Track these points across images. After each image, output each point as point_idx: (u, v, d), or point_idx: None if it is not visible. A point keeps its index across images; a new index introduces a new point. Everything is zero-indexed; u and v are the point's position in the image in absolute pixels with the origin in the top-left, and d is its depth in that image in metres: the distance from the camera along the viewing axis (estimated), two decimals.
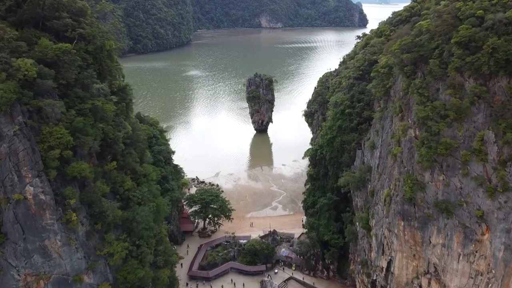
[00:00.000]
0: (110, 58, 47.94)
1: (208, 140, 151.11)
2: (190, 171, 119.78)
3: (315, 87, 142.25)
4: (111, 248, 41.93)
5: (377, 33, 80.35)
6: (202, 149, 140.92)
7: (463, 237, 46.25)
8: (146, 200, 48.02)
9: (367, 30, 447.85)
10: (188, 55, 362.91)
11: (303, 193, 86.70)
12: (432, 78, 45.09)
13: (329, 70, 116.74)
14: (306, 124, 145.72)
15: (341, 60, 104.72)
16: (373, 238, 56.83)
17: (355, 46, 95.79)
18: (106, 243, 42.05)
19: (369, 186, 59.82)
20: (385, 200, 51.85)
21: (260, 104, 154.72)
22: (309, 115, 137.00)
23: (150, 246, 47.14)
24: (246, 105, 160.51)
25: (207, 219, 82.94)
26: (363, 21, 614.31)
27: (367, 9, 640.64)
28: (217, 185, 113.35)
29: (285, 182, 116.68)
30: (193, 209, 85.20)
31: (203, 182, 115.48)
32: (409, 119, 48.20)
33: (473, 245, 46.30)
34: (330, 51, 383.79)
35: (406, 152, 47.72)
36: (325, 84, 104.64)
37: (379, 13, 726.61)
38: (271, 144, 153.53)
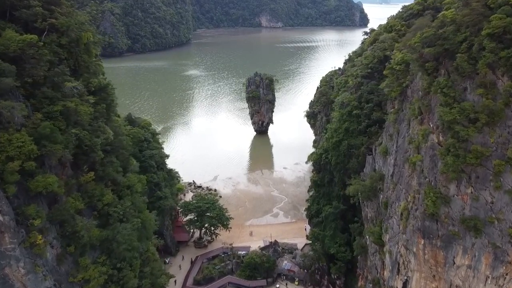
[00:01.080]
0: (88, 53, 41.93)
1: (207, 142, 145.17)
2: (186, 175, 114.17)
3: (317, 87, 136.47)
4: (86, 273, 36.03)
5: (387, 28, 74.33)
6: (200, 152, 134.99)
7: (493, 258, 40.22)
8: (129, 216, 42.01)
9: (368, 30, 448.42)
10: (188, 55, 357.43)
11: (307, 200, 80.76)
12: (458, 76, 39.05)
13: (333, 69, 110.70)
14: (308, 125, 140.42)
15: (347, 57, 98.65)
16: (387, 255, 50.82)
17: (362, 43, 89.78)
18: (81, 268, 36.14)
19: (382, 197, 53.86)
20: (401, 214, 45.84)
21: (260, 104, 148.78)
22: (312, 116, 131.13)
23: (134, 269, 41.17)
24: (246, 105, 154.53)
25: (203, 228, 76.88)
26: (364, 21, 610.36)
27: (367, 9, 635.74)
28: (215, 190, 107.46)
29: (286, 187, 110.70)
30: (188, 217, 79.19)
31: (200, 186, 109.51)
32: (430, 123, 42.18)
33: (504, 267, 40.24)
34: (331, 51, 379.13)
35: (427, 161, 41.69)
36: (329, 83, 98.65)
37: (379, 13, 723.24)
38: (272, 146, 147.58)
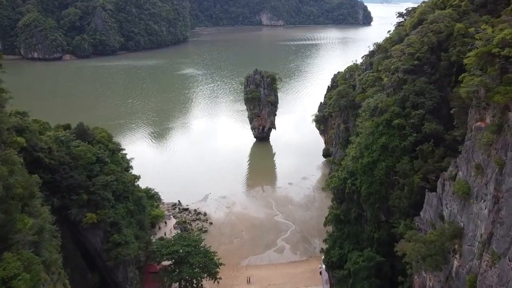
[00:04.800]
0: None
1: (198, 150, 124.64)
2: (171, 194, 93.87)
3: (328, 86, 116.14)
4: None
5: (437, 4, 53.58)
6: (190, 162, 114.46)
7: None
8: None
9: (372, 28, 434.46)
10: (185, 53, 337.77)
11: (325, 240, 59.87)
12: None
13: (354, 63, 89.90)
14: (317, 131, 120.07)
15: (371, 48, 77.83)
16: None
17: (397, 26, 69.05)
18: None
19: (457, 265, 33.16)
20: None
21: (261, 106, 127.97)
22: (322, 121, 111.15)
23: None
24: (245, 107, 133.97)
25: (183, 281, 55.91)
26: (368, 19, 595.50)
27: (369, 7, 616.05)
28: (205, 214, 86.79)
29: (293, 210, 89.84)
30: (164, 262, 58.32)
31: (186, 209, 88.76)
32: None
33: None
34: (335, 49, 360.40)
35: None
36: (349, 81, 77.93)
37: (381, 12, 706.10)
38: (274, 154, 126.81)
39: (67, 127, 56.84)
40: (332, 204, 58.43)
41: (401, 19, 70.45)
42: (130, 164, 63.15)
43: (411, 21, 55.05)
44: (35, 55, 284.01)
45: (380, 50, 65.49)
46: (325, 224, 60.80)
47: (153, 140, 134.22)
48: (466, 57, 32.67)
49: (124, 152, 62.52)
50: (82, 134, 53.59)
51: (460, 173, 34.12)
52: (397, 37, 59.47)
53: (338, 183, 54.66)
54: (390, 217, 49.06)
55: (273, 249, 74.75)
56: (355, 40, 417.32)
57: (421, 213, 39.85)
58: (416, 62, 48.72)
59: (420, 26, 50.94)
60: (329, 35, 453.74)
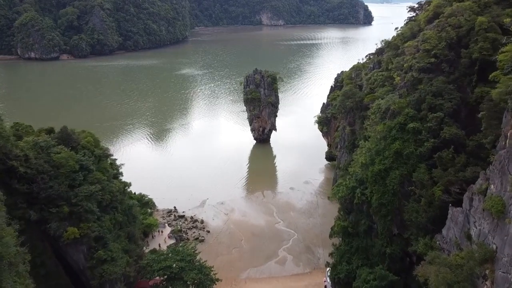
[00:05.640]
0: None
1: (196, 153, 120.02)
2: (166, 199, 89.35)
3: (331, 86, 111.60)
4: None
5: None
6: (187, 166, 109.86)
7: None
8: None
9: (373, 28, 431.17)
10: (184, 53, 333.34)
11: (330, 254, 55.13)
12: None
13: (361, 61, 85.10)
14: (319, 133, 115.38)
15: (379, 46, 73.03)
16: None
17: (408, 21, 64.06)
18: None
19: None
20: None
21: (261, 107, 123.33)
22: (325, 123, 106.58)
23: None
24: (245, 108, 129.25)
25: None
26: (368, 18, 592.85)
27: (369, 7, 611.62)
28: (202, 222, 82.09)
29: (295, 216, 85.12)
30: (156, 277, 53.62)
31: (182, 216, 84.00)
32: None
33: None
34: (336, 48, 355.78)
35: None
36: (355, 80, 73.20)
37: (382, 12, 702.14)
38: (275, 157, 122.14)
39: (50, 131, 52.21)
40: (339, 215, 53.70)
41: (412, 14, 65.81)
42: (120, 170, 58.43)
43: (426, 15, 50.40)
44: (32, 55, 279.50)
45: (390, 47, 60.76)
46: (330, 236, 56.09)
47: (149, 142, 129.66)
48: (500, 53, 27.94)
49: (113, 157, 57.93)
50: (66, 139, 48.94)
51: (492, 187, 29.43)
52: (409, 33, 54.78)
53: (346, 193, 49.93)
54: (404, 231, 44.41)
55: (274, 261, 70.01)
56: (356, 39, 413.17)
57: (444, 231, 35.15)
58: (432, 59, 44.03)
59: (437, 20, 46.24)
60: (330, 34, 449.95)
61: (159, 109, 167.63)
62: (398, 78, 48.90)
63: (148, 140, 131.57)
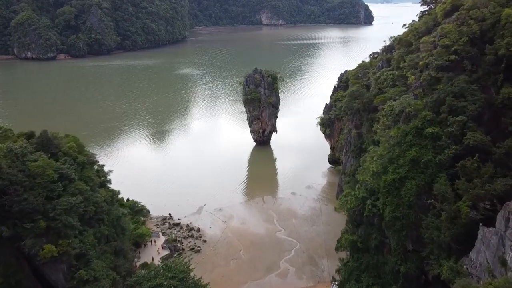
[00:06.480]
0: None
1: (193, 156, 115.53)
2: (161, 206, 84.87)
3: (334, 86, 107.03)
4: None
5: None
6: (183, 170, 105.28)
7: None
8: None
9: (374, 28, 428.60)
10: (183, 52, 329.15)
11: (337, 270, 50.40)
12: None
13: (367, 59, 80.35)
14: (322, 135, 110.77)
15: (387, 43, 68.19)
16: None
17: (421, 15, 59.29)
18: None
19: None
20: None
21: (261, 108, 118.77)
22: (328, 124, 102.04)
23: None
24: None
25: None
26: (369, 18, 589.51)
27: (369, 7, 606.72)
28: (198, 230, 77.41)
29: (297, 224, 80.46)
30: None
31: (178, 224, 79.32)
32: None
33: None
34: (337, 48, 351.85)
35: None
36: (362, 80, 68.52)
37: (382, 12, 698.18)
38: (275, 160, 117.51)
39: (30, 135, 47.65)
40: (347, 227, 49.03)
41: (425, 7, 61.10)
42: (108, 177, 53.82)
43: (443, 8, 45.86)
44: (29, 54, 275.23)
45: (401, 44, 56.16)
46: (337, 249, 51.46)
47: (146, 145, 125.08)
48: None
49: (100, 164, 53.33)
50: (46, 145, 44.33)
51: None
52: (424, 28, 50.19)
53: (355, 204, 45.29)
54: (420, 247, 39.82)
55: (275, 273, 65.28)
56: (357, 39, 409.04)
57: (472, 254, 30.50)
58: (452, 56, 39.53)
59: (457, 13, 41.66)
60: (331, 34, 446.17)
61: (157, 110, 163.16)
62: (413, 77, 44.35)
63: (145, 142, 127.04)
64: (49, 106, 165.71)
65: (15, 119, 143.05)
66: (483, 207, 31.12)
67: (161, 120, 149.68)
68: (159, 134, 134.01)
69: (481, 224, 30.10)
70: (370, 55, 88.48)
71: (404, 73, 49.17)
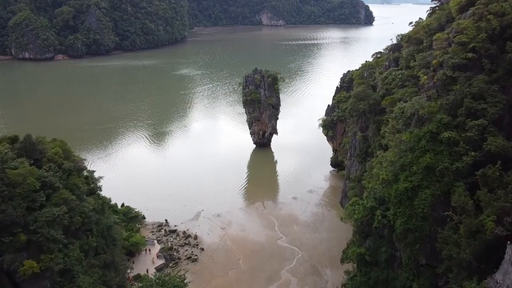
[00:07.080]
0: None
1: (191, 159, 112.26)
2: (157, 211, 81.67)
3: (337, 87, 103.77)
4: None
5: None
6: (181, 173, 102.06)
7: None
8: None
9: (373, 28, 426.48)
10: (182, 53, 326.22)
11: (343, 285, 47.02)
12: None
13: (370, 59, 77.04)
14: (324, 137, 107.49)
15: (394, 41, 64.91)
16: None
17: (432, 11, 55.97)
18: None
19: None
20: None
21: (261, 109, 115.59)
22: (330, 126, 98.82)
23: None
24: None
25: None
26: (369, 19, 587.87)
27: (370, 8, 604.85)
28: (195, 237, 74.11)
29: (299, 231, 77.11)
30: None
31: (174, 231, 75.95)
32: None
33: None
34: (338, 48, 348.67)
35: None
36: (368, 80, 65.27)
37: (382, 12, 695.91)
38: (276, 162, 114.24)
39: (14, 139, 44.31)
40: (353, 239, 45.75)
41: (436, 3, 57.78)
42: (99, 184, 50.48)
43: (458, 2, 42.65)
44: (26, 55, 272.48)
45: (410, 42, 52.98)
46: (342, 261, 48.14)
47: (143, 147, 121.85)
48: None
49: (91, 169, 50.05)
50: (29, 150, 41.06)
51: None
52: (436, 24, 47.00)
53: (363, 214, 41.99)
54: (435, 262, 36.56)
55: (276, 284, 61.87)
56: (358, 39, 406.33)
57: (498, 275, 27.19)
58: (470, 54, 36.26)
59: (473, 8, 38.43)
60: (331, 34, 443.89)
61: (155, 111, 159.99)
62: (425, 77, 41.11)
63: (142, 144, 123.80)
64: (46, 108, 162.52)
65: (10, 121, 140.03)
66: (509, 222, 27.91)
67: (159, 121, 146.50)
68: (156, 135, 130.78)
69: (509, 242, 26.85)
70: (373, 55, 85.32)
71: (414, 73, 46.00)
